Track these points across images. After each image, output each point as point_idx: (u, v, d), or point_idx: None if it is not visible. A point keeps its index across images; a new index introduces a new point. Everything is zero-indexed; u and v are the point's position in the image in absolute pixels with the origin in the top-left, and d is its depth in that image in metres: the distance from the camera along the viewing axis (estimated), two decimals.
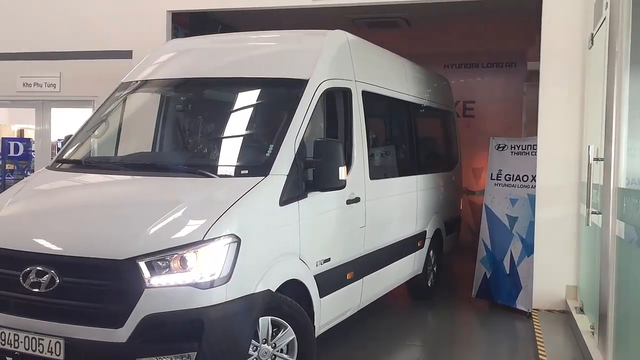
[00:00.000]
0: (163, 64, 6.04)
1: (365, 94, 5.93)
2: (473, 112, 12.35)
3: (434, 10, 8.98)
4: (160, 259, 3.92)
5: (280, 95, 5.41)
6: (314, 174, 4.78)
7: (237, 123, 5.36)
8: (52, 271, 4.01)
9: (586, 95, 6.73)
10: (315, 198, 4.89)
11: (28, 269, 4.06)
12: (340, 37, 5.74)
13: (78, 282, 4.00)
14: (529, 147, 7.48)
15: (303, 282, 4.75)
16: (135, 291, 3.87)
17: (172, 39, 8.46)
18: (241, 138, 5.20)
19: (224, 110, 5.62)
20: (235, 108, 5.52)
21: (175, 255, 3.93)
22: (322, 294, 4.99)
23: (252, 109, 5.46)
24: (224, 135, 5.40)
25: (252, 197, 4.36)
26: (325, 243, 5.16)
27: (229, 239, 4.05)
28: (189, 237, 4.01)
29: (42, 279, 4.01)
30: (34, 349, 4.02)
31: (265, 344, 4.38)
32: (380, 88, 6.46)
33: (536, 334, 6.16)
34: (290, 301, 4.52)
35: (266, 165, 4.61)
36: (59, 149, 9.57)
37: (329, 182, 4.80)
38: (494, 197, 7.67)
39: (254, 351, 4.33)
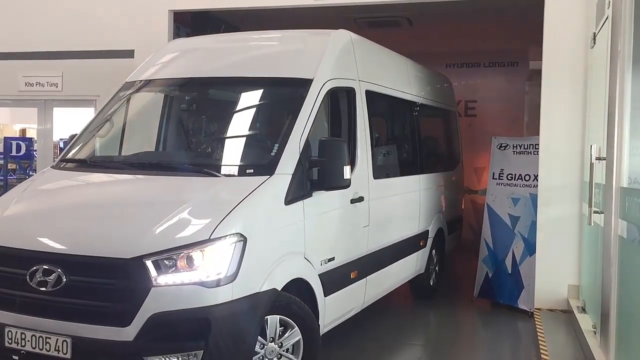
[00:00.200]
0: (167, 64, 6.04)
1: (369, 94, 5.95)
2: (475, 111, 12.35)
3: (436, 10, 8.99)
4: (167, 257, 3.94)
5: (284, 94, 5.42)
6: (319, 173, 4.79)
7: (242, 122, 5.37)
8: (59, 270, 4.02)
9: (588, 94, 6.73)
10: (320, 197, 4.90)
11: (35, 267, 4.07)
12: (344, 37, 5.75)
13: (85, 280, 4.02)
14: (531, 146, 7.48)
15: (308, 281, 4.76)
16: (142, 290, 3.89)
17: (174, 38, 8.47)
18: (246, 137, 5.22)
19: (228, 109, 5.62)
20: (239, 108, 5.54)
21: (182, 254, 3.95)
22: (327, 293, 5.01)
23: (256, 108, 5.48)
24: (229, 134, 5.41)
25: (257, 197, 4.37)
26: (329, 242, 5.18)
27: (235, 238, 4.07)
28: (196, 236, 4.02)
29: (49, 277, 4.03)
30: (40, 347, 4.03)
31: (272, 343, 4.40)
32: (383, 88, 6.48)
33: (538, 334, 6.16)
34: (299, 301, 4.54)
35: (271, 164, 4.63)
36: (61, 149, 9.61)
37: (334, 181, 4.82)
38: (495, 196, 7.67)
39: (261, 349, 4.35)
